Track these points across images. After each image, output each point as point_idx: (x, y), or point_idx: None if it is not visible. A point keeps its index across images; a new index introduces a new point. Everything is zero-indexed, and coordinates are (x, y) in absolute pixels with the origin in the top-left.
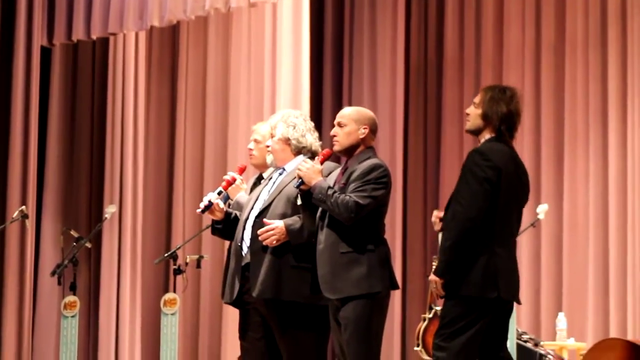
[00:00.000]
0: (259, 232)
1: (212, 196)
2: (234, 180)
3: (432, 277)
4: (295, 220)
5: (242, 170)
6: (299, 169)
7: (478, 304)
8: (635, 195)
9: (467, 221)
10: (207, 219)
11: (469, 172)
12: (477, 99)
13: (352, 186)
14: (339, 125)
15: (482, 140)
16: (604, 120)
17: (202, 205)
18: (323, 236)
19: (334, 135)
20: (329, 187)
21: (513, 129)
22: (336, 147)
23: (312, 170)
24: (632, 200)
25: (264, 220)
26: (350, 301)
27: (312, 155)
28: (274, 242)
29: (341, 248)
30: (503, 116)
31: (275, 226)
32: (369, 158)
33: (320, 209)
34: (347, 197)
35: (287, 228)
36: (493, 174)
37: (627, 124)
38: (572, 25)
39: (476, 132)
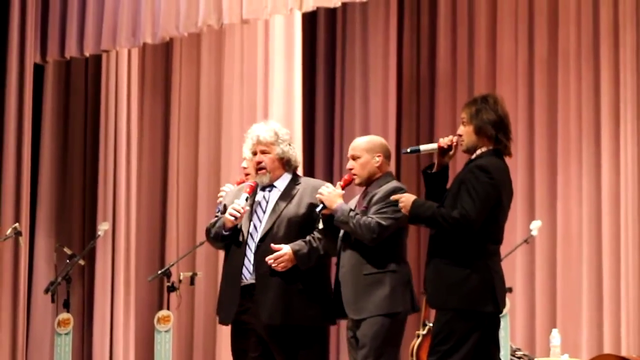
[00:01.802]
0: (267, 258)
1: (242, 203)
2: (257, 184)
3: (402, 198)
4: (301, 245)
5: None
6: (320, 194)
7: (474, 318)
8: (628, 211)
9: (464, 218)
10: (201, 234)
11: (471, 187)
12: (464, 117)
13: (374, 208)
14: (353, 158)
15: (479, 152)
16: (596, 134)
17: (235, 213)
18: (346, 259)
19: (351, 169)
20: (351, 210)
21: (508, 132)
22: (357, 182)
23: (333, 195)
24: (625, 215)
25: (272, 246)
26: (370, 318)
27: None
28: (283, 267)
29: (364, 270)
30: (495, 124)
31: (285, 252)
32: (387, 182)
33: (341, 232)
34: (369, 219)
35: (296, 253)
36: (494, 192)
37: (620, 139)
38: (564, 39)
39: (473, 149)
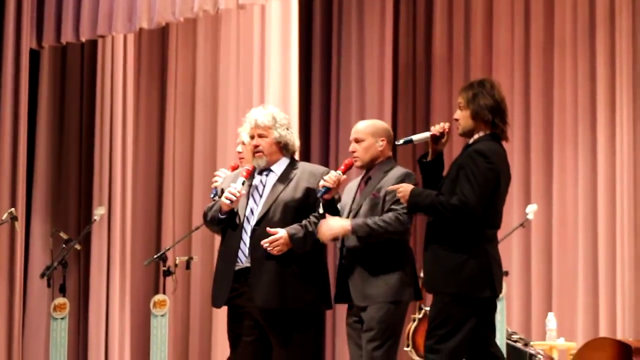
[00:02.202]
0: (263, 242)
1: (238, 187)
2: (254, 169)
3: (400, 188)
4: (297, 229)
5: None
6: (324, 180)
7: (471, 303)
8: (624, 195)
9: (464, 205)
10: (197, 219)
11: (470, 172)
12: (460, 101)
13: (389, 198)
14: (356, 141)
15: (476, 137)
16: (592, 119)
17: (231, 196)
18: (353, 244)
19: (353, 151)
20: (364, 223)
21: (505, 116)
22: (358, 164)
23: (336, 226)
24: (620, 199)
25: (268, 229)
26: (375, 304)
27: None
28: (278, 251)
29: (372, 258)
30: (491, 108)
31: (280, 236)
32: (392, 168)
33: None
34: (391, 214)
35: (291, 237)
36: (493, 177)
37: (616, 124)
38: (560, 25)
39: (469, 134)
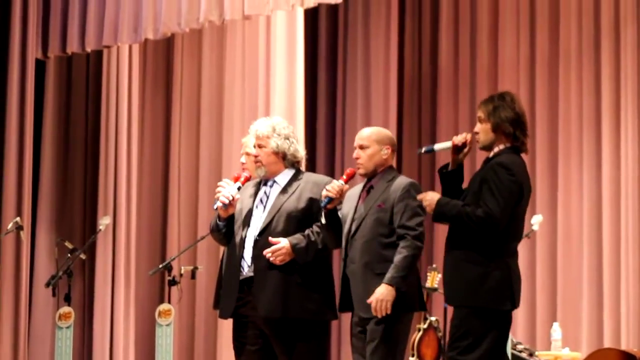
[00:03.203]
0: (265, 252)
1: (232, 191)
2: (251, 176)
3: (427, 197)
4: (299, 239)
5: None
6: (327, 190)
7: (492, 316)
8: (628, 206)
9: (490, 217)
10: (203, 229)
11: (494, 185)
12: (480, 114)
13: (397, 209)
14: (361, 147)
15: (496, 150)
16: (597, 131)
17: (224, 200)
18: (357, 255)
19: (357, 158)
20: (389, 273)
21: (525, 129)
22: (361, 171)
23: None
24: (625, 210)
25: (270, 239)
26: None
27: (298, 165)
28: (280, 261)
29: (376, 269)
30: (513, 121)
31: (282, 245)
32: (394, 177)
33: (347, 227)
34: (407, 232)
35: (294, 247)
36: (517, 189)
37: (620, 135)
38: (565, 37)
39: (489, 147)
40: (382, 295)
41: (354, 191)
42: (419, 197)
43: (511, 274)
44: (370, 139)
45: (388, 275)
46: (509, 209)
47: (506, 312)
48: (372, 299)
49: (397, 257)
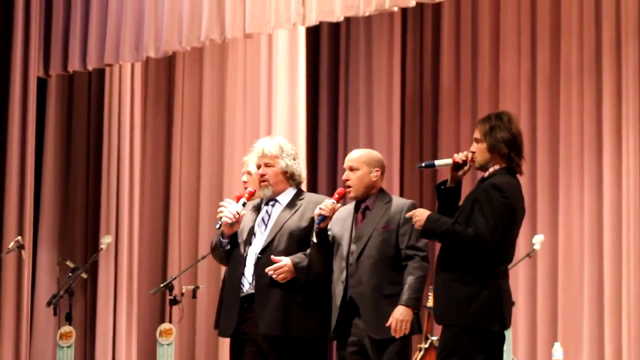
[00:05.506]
0: (267, 269)
1: (238, 208)
2: (255, 191)
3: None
4: (302, 258)
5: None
6: (320, 208)
7: (480, 336)
8: (630, 225)
9: (478, 238)
10: (203, 248)
11: (485, 206)
12: (477, 134)
13: (402, 231)
14: (351, 169)
15: (491, 170)
16: (598, 150)
17: (227, 219)
18: (365, 276)
19: (347, 180)
20: (404, 294)
21: (521, 150)
22: (351, 195)
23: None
24: (626, 230)
25: (272, 257)
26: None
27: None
28: (282, 279)
29: (384, 290)
30: (508, 142)
31: (284, 264)
32: (391, 199)
33: (334, 248)
34: (416, 252)
35: (295, 266)
36: (508, 211)
37: (622, 155)
38: (566, 55)
39: (485, 167)
40: (401, 315)
41: (343, 213)
42: (408, 214)
43: (501, 294)
44: (359, 161)
45: (404, 296)
46: (499, 231)
47: (495, 334)
48: (392, 320)
49: (410, 278)
